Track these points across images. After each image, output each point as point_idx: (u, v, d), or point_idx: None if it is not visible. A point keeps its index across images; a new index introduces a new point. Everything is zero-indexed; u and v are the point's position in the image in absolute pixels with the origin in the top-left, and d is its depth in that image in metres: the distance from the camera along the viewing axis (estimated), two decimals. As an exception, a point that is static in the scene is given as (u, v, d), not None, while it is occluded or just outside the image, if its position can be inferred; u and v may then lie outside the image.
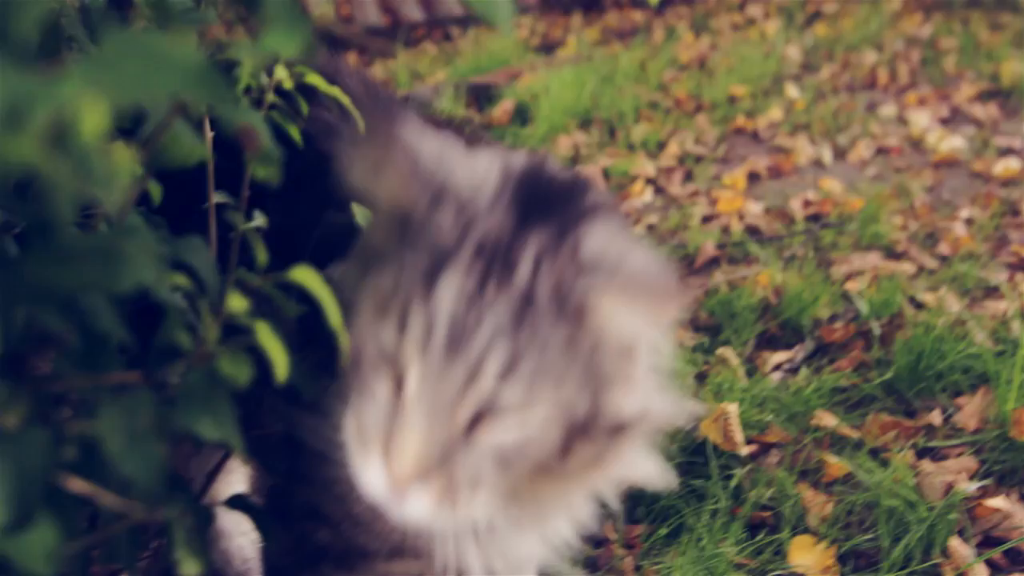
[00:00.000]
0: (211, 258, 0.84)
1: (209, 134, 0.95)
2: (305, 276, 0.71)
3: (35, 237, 0.68)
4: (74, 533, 0.72)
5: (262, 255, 0.77)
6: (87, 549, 0.96)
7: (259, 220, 1.00)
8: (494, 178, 0.95)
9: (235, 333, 0.81)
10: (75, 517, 0.71)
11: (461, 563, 1.11)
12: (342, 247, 1.07)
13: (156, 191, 0.93)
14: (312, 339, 0.92)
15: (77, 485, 0.69)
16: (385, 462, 0.86)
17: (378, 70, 4.75)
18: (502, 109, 3.95)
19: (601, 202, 0.98)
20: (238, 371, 0.72)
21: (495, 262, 0.87)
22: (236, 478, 1.41)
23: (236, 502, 0.96)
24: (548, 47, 5.29)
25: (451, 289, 0.85)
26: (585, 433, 0.91)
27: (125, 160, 0.51)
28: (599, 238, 0.92)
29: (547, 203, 0.93)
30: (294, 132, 0.96)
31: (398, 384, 0.88)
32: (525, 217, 0.90)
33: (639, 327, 0.90)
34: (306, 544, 1.18)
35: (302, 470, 1.12)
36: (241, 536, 1.62)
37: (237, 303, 0.70)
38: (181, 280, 0.72)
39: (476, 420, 0.87)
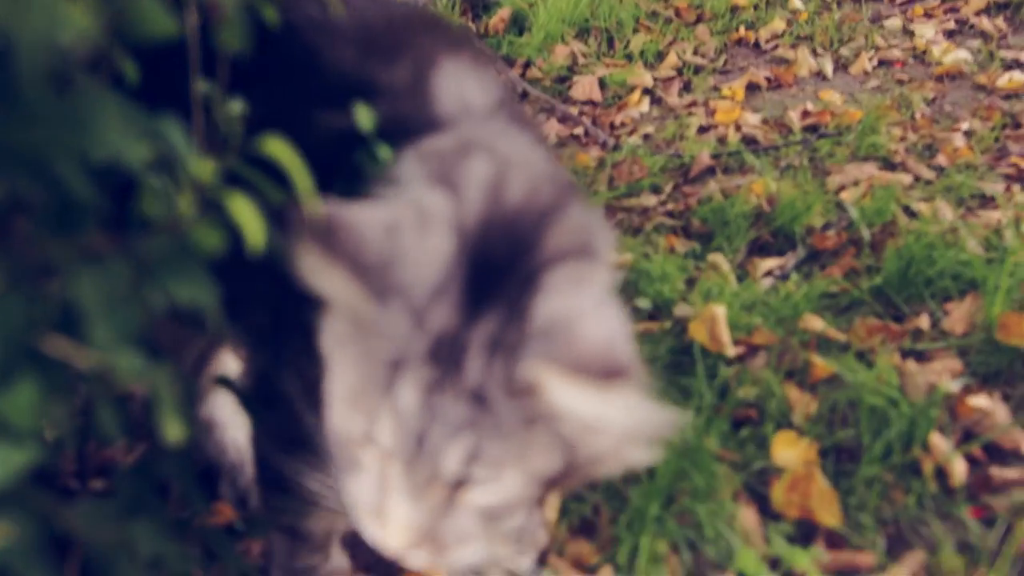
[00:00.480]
0: (184, 133, 0.84)
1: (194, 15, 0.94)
2: (276, 147, 0.72)
3: (3, 99, 0.69)
4: (59, 392, 0.74)
5: (237, 129, 0.77)
6: (78, 425, 1.00)
7: (237, 106, 1.01)
8: (444, 253, 0.91)
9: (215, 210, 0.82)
10: (59, 376, 0.73)
11: None
12: (335, 156, 1.07)
13: (131, 70, 0.93)
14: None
15: (58, 347, 0.71)
16: (382, 531, 0.95)
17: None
18: (498, 17, 3.88)
19: (565, 244, 0.94)
20: (210, 239, 0.74)
21: (447, 361, 0.88)
22: (228, 372, 1.45)
23: (221, 380, 0.99)
24: (548, -42, 5.17)
25: (409, 391, 0.88)
26: (566, 478, 0.95)
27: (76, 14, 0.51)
28: (552, 302, 0.89)
29: (500, 271, 0.91)
30: (269, 13, 0.95)
31: (384, 459, 0.93)
32: (475, 303, 0.89)
33: (589, 405, 0.88)
34: (292, 431, 1.22)
35: (287, 354, 1.15)
36: (236, 429, 1.66)
37: (203, 168, 0.71)
38: (152, 150, 0.73)
39: (454, 491, 0.92)
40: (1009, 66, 3.62)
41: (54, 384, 0.74)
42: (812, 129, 3.12)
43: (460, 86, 1.17)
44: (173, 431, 0.81)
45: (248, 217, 0.76)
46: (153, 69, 0.99)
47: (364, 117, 0.99)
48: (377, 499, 0.95)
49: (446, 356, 0.88)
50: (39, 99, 0.65)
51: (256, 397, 1.19)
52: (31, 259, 0.76)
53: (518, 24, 3.88)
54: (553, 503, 1.59)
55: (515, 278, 0.90)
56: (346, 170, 1.05)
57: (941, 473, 1.65)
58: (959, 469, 1.63)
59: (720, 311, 1.93)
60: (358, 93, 1.11)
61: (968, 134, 3.06)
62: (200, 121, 1.01)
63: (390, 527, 0.93)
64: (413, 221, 0.93)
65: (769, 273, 2.25)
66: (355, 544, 1.55)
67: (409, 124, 1.09)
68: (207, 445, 1.67)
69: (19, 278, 0.72)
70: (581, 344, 0.87)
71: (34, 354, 0.71)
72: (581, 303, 0.91)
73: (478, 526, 0.95)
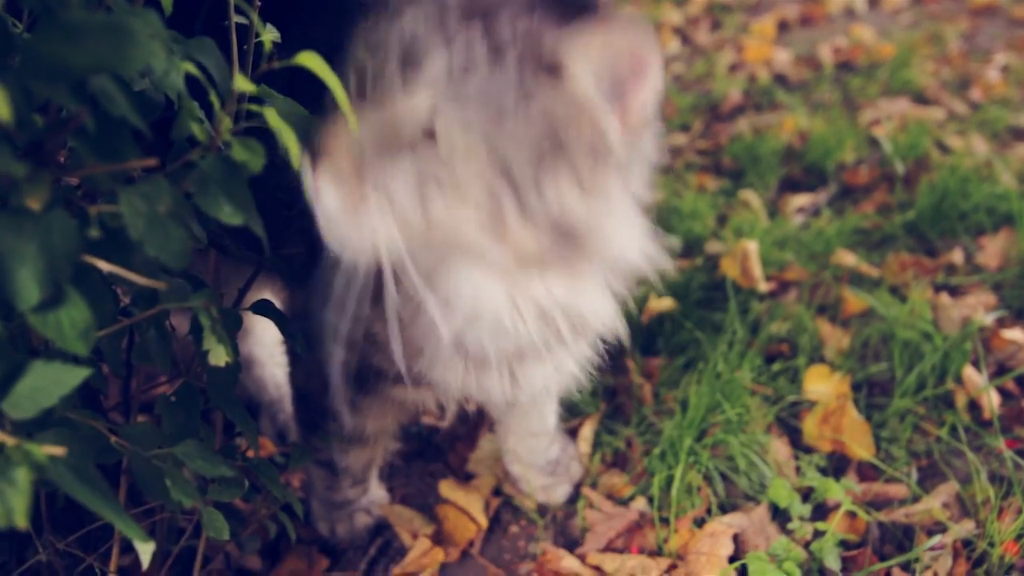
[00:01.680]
0: (220, 55, 0.84)
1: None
2: (310, 60, 0.71)
3: (43, 17, 0.69)
4: (106, 316, 0.75)
5: (268, 42, 0.77)
6: (127, 347, 1.01)
7: (272, 32, 1.00)
8: None
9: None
10: (105, 298, 0.74)
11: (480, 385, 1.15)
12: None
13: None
14: None
15: (104, 266, 0.72)
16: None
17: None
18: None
19: None
20: (251, 157, 0.74)
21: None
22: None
23: (260, 307, 1.00)
24: None
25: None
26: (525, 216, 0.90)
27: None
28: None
29: None
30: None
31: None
32: None
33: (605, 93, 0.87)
34: (325, 367, 1.23)
35: (321, 290, 1.15)
36: (273, 365, 1.68)
37: (244, 83, 0.71)
38: (190, 68, 0.73)
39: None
40: (1047, -2, 3.53)
41: (102, 306, 0.75)
42: (844, 65, 3.06)
43: None
44: (218, 356, 0.82)
45: (284, 129, 0.76)
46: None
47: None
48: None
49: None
50: (79, 14, 0.65)
51: (301, 329, 1.21)
52: (74, 179, 0.77)
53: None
54: (587, 436, 1.60)
55: None
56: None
57: (974, 405, 1.64)
58: (993, 401, 1.62)
59: (752, 247, 1.92)
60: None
61: (1003, 69, 2.99)
62: (234, 41, 1.00)
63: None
64: None
65: (801, 209, 2.23)
66: (393, 475, 1.58)
67: None
68: (247, 382, 1.69)
69: (62, 198, 0.73)
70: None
71: (81, 275, 0.72)
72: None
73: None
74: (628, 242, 0.98)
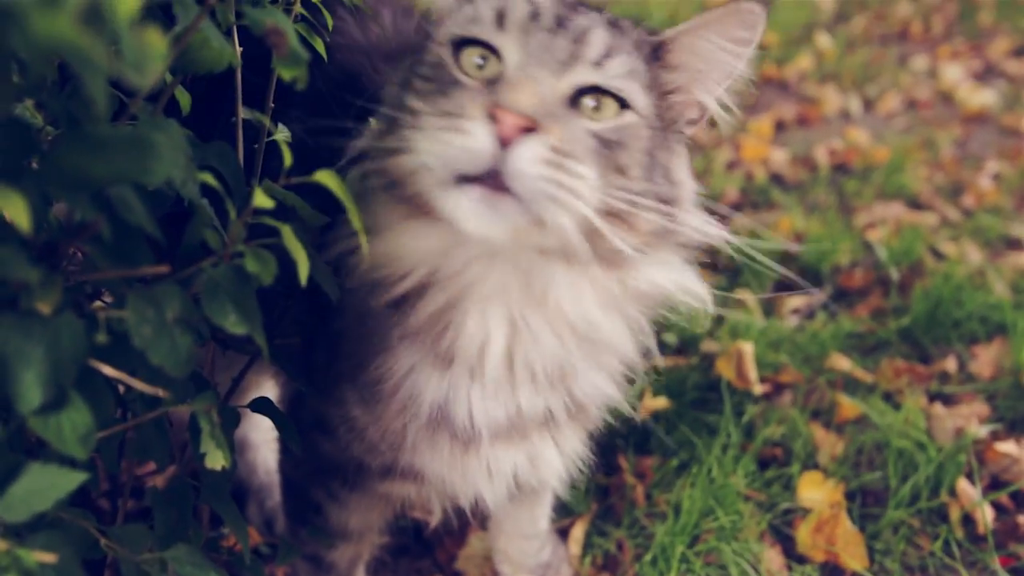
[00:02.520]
0: (237, 162, 0.86)
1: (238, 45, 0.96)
2: (327, 179, 0.73)
3: (69, 128, 0.70)
4: (106, 418, 0.75)
5: (288, 157, 0.79)
6: (120, 442, 1.00)
7: (283, 132, 1.02)
8: None
9: (261, 238, 0.83)
10: (107, 403, 0.74)
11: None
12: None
13: (185, 100, 0.95)
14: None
15: (109, 371, 0.72)
16: (492, 119, 0.84)
17: None
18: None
19: None
20: (263, 269, 0.74)
21: None
22: (263, 393, 1.45)
23: (259, 404, 0.99)
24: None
25: None
26: (655, 160, 0.97)
27: (157, 42, 0.53)
28: None
29: None
30: (319, 45, 0.97)
31: (488, 79, 0.91)
32: None
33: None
34: (314, 457, 1.22)
35: (313, 378, 1.16)
36: (266, 449, 1.67)
37: (263, 199, 0.72)
38: (209, 179, 0.74)
39: (577, 96, 0.92)
40: (1036, 109, 3.62)
41: (102, 409, 0.75)
42: (840, 168, 3.12)
43: None
44: (215, 460, 0.82)
45: (297, 248, 0.77)
46: (197, 97, 1.01)
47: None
48: (487, 97, 0.86)
49: None
50: (105, 129, 0.67)
51: (291, 418, 1.21)
52: (85, 284, 0.78)
53: None
54: (578, 537, 1.58)
55: None
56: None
57: (968, 519, 1.63)
58: (987, 516, 1.61)
59: (748, 348, 1.93)
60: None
61: (995, 176, 3.05)
62: (240, 143, 1.02)
63: (511, 102, 0.84)
64: None
65: (796, 311, 2.25)
66: (379, 570, 1.55)
67: None
68: (238, 465, 1.67)
69: (72, 302, 0.73)
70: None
71: (85, 378, 0.72)
72: None
73: (593, 149, 0.90)
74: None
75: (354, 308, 1.07)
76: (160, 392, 0.73)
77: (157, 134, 0.67)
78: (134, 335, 0.70)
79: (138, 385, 0.72)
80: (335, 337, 1.13)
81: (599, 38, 0.93)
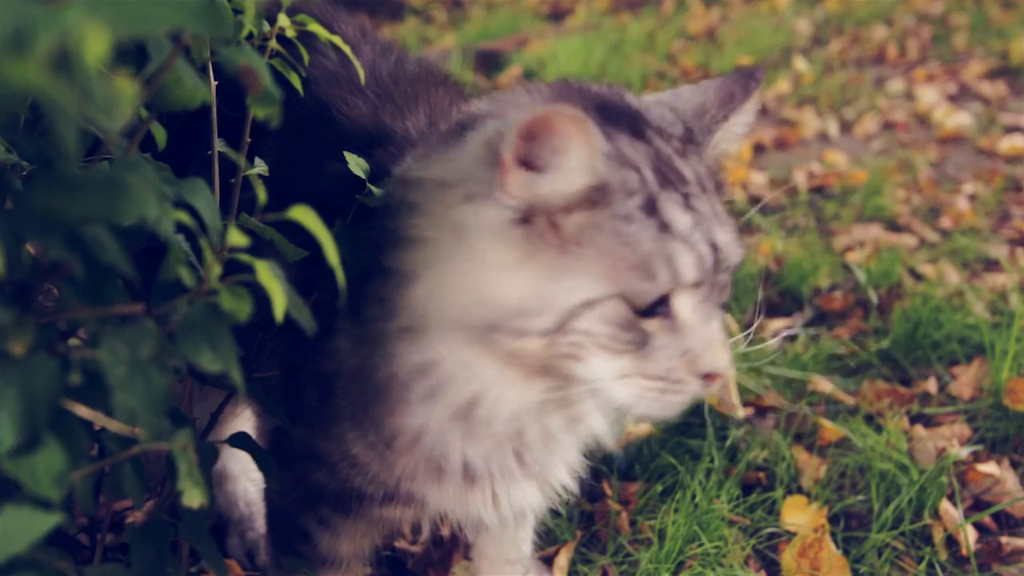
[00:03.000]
0: (213, 198, 0.86)
1: (213, 82, 0.96)
2: (303, 215, 0.73)
3: (41, 169, 0.70)
4: (80, 459, 0.74)
5: (262, 194, 0.79)
6: (95, 482, 0.99)
7: (260, 167, 1.02)
8: None
9: (237, 273, 0.83)
10: (81, 443, 0.73)
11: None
12: (341, 197, 1.09)
13: (161, 135, 0.95)
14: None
15: (83, 412, 0.72)
16: (704, 379, 0.96)
17: (386, 34, 4.74)
18: (509, 75, 3.95)
19: None
20: (238, 306, 0.74)
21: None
22: (241, 423, 1.44)
23: (237, 439, 0.99)
24: (558, 15, 5.28)
25: (677, 212, 0.94)
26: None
27: (127, 88, 0.53)
28: None
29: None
30: (295, 80, 0.98)
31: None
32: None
33: None
34: (304, 485, 1.22)
35: (301, 413, 1.15)
36: (246, 480, 1.65)
37: (238, 238, 0.72)
38: (183, 217, 0.74)
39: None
40: (1010, 130, 3.67)
41: (76, 449, 0.74)
42: (818, 190, 3.15)
43: None
44: (192, 498, 0.81)
45: (272, 284, 0.77)
46: (175, 131, 1.02)
47: (355, 167, 1.01)
48: (697, 349, 0.94)
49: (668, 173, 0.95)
50: (76, 170, 0.67)
51: (271, 452, 1.20)
52: (58, 324, 0.77)
53: (529, 81, 3.94)
54: (563, 564, 1.58)
55: None
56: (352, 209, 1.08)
57: (952, 541, 1.64)
58: (969, 538, 1.62)
59: (730, 373, 1.93)
60: (373, 141, 1.14)
61: (971, 197, 3.08)
62: (217, 180, 1.02)
63: (719, 351, 0.95)
64: None
65: (777, 333, 2.26)
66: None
67: None
68: (217, 497, 1.66)
69: (45, 342, 0.73)
70: None
71: (59, 419, 0.72)
72: None
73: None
74: None
75: (366, 360, 1.07)
76: (135, 433, 0.73)
77: (129, 174, 0.67)
78: (109, 375, 0.70)
79: (113, 426, 0.72)
80: (329, 378, 1.13)
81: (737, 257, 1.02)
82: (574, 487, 1.25)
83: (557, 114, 0.85)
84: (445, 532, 1.66)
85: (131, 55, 0.87)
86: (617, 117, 0.98)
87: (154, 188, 0.70)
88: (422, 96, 1.24)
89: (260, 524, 1.64)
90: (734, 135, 1.10)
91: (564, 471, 1.22)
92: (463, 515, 1.20)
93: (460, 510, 1.19)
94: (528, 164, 0.89)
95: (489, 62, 4.14)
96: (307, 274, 1.02)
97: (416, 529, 1.64)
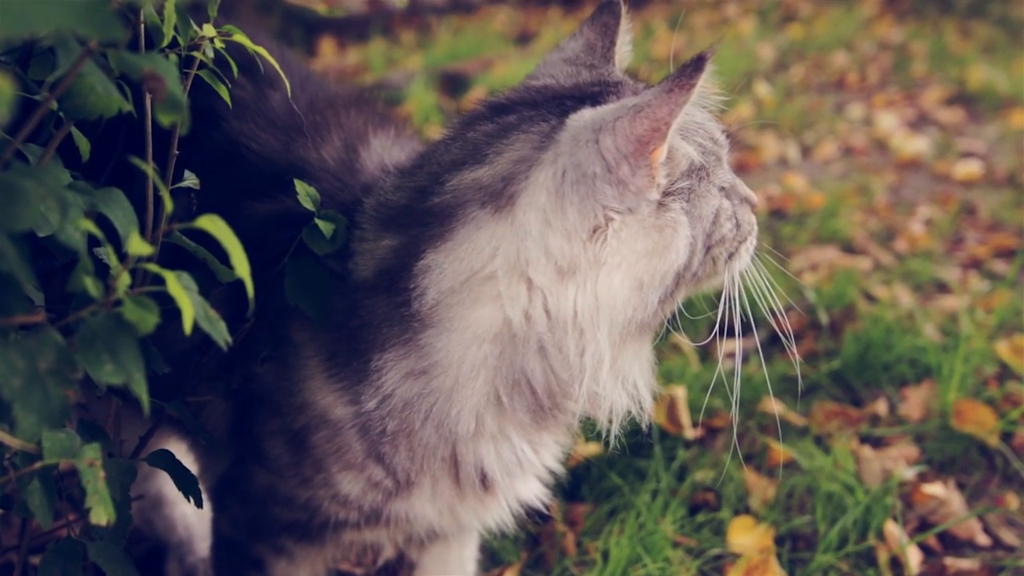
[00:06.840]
0: (130, 210, 0.84)
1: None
2: (212, 224, 0.72)
3: (-66, 174, 0.68)
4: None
5: (169, 204, 0.77)
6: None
7: (190, 180, 1.01)
8: None
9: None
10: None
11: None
12: (263, 238, 1.08)
13: (85, 146, 0.93)
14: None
15: (-23, 425, 0.70)
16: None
17: (353, 55, 4.74)
18: (473, 97, 3.95)
19: None
20: (142, 317, 0.73)
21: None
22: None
23: (157, 457, 0.96)
24: (525, 39, 5.31)
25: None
26: None
27: (4, 87, 0.51)
28: None
29: None
30: (223, 92, 0.96)
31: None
32: None
33: None
34: (265, 519, 1.19)
35: (260, 460, 1.13)
36: (184, 504, 1.62)
37: (139, 246, 0.70)
38: (89, 226, 0.73)
39: None
40: (966, 156, 3.72)
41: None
42: (776, 213, 3.17)
43: (388, 157, 1.21)
44: (99, 515, 0.78)
45: (181, 296, 0.75)
46: (111, 143, 1.00)
47: (305, 197, 1.00)
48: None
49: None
50: (-31, 175, 0.65)
51: (226, 489, 1.19)
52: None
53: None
54: (504, 588, 1.56)
55: None
56: (273, 250, 1.07)
57: (896, 562, 1.64)
58: (914, 559, 1.62)
59: (680, 393, 1.93)
60: (287, 175, 1.11)
61: (926, 222, 3.12)
62: (151, 195, 1.00)
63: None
64: None
65: (731, 355, 2.26)
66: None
67: (342, 197, 1.12)
68: (155, 521, 1.62)
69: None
70: None
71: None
72: None
73: None
74: None
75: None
76: (30, 448, 0.70)
77: (26, 180, 0.65)
78: (3, 387, 0.68)
79: (9, 441, 0.70)
80: (299, 435, 1.11)
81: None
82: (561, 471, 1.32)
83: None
84: (390, 553, 1.63)
85: (48, 59, 0.86)
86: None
87: (55, 195, 0.68)
88: (333, 121, 1.24)
89: (200, 548, 1.61)
90: (627, 52, 1.25)
91: (552, 461, 1.29)
92: (451, 525, 1.22)
93: (450, 524, 1.21)
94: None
95: (455, 84, 4.15)
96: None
97: (363, 552, 1.62)
